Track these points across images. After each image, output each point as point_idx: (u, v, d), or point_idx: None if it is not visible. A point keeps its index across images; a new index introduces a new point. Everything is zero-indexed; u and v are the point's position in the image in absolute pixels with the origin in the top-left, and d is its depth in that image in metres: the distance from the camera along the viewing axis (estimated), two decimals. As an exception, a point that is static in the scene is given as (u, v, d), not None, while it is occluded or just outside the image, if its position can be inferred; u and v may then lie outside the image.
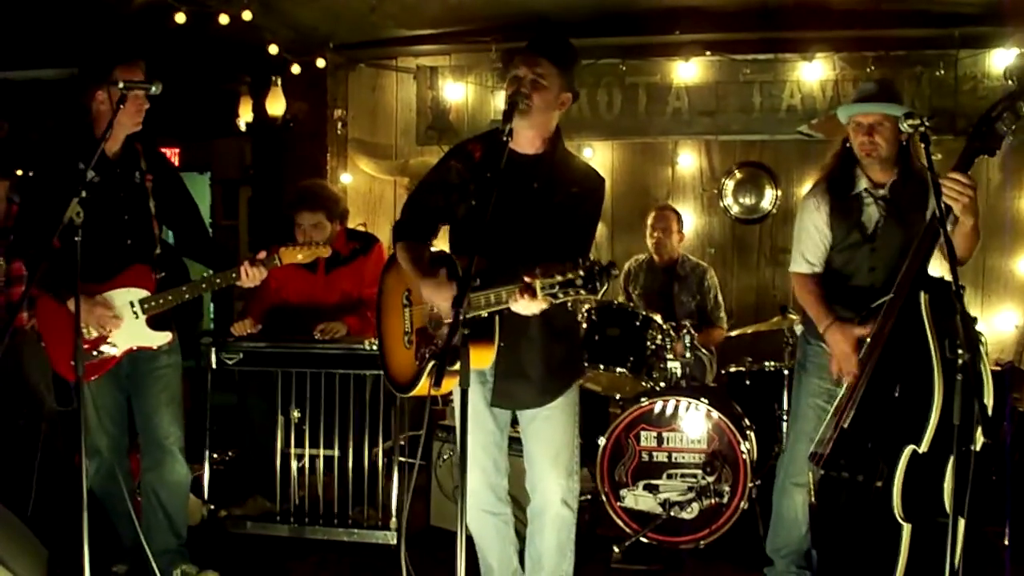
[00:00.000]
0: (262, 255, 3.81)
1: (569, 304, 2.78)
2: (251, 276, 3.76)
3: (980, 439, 2.98)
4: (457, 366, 2.92)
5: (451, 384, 3.10)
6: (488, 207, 2.84)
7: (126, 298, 3.75)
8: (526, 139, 3.23)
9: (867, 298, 3.55)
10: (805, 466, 3.57)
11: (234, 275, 3.76)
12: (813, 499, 3.51)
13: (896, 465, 3.17)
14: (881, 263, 3.64)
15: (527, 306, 2.77)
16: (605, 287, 2.62)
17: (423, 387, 3.00)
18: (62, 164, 3.67)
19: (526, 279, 2.71)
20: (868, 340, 3.36)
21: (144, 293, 3.77)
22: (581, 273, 2.61)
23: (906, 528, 3.17)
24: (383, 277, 3.62)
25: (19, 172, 5.80)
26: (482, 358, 3.09)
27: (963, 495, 2.91)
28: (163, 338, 3.83)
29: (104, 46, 3.74)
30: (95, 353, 3.73)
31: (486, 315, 2.94)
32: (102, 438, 3.82)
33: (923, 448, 3.09)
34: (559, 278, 2.63)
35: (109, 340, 3.74)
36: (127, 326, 3.76)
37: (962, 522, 2.93)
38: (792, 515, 3.82)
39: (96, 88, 3.63)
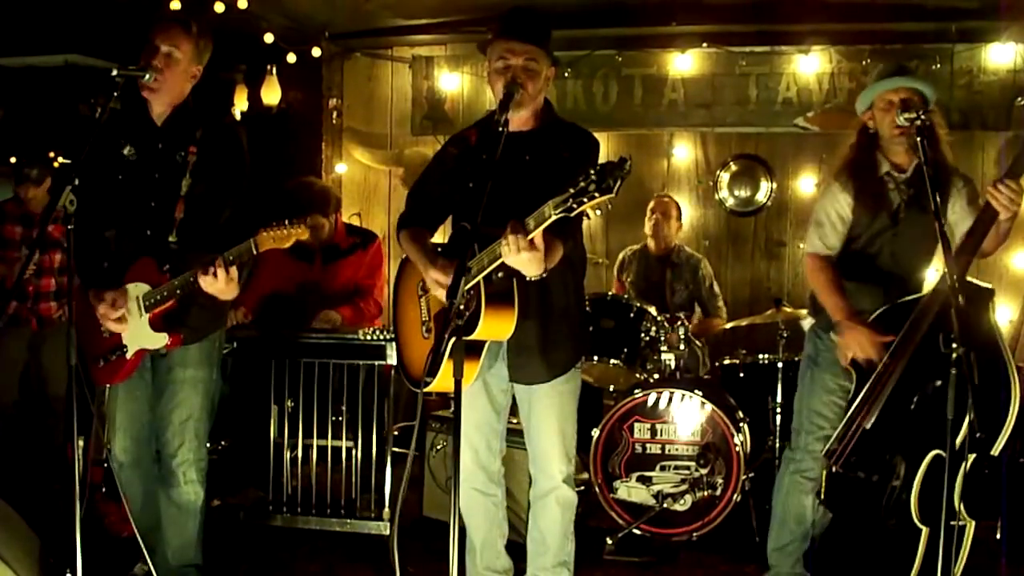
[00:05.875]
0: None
1: (587, 213, 2.71)
2: (218, 278, 3.27)
3: (1001, 442, 2.98)
4: (477, 333, 2.99)
5: (472, 372, 3.12)
6: (484, 188, 2.81)
7: (132, 293, 3.45)
8: (518, 119, 3.24)
9: (887, 283, 3.55)
10: (817, 464, 3.51)
11: (198, 274, 3.29)
12: (822, 496, 3.47)
13: (917, 469, 3.15)
14: (903, 248, 3.60)
15: (514, 245, 2.74)
16: (619, 183, 2.58)
17: (445, 374, 2.87)
18: (109, 143, 3.47)
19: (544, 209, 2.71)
20: (897, 341, 3.28)
21: (146, 288, 3.45)
22: (593, 178, 2.58)
23: (924, 532, 3.15)
24: (398, 275, 3.61)
25: (58, 162, 5.81)
26: (502, 328, 3.08)
27: (976, 496, 2.90)
28: (160, 340, 3.46)
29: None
30: (111, 357, 3.50)
31: (492, 276, 2.97)
32: (116, 442, 3.61)
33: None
34: (571, 191, 2.62)
35: (124, 341, 3.48)
36: (133, 326, 3.46)
37: (972, 525, 2.94)
38: (800, 512, 3.70)
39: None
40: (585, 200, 2.61)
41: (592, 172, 2.58)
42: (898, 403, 3.25)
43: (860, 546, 3.36)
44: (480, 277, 2.97)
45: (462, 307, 2.67)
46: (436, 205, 3.47)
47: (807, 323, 3.91)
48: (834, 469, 3.37)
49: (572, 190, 2.62)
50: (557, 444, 3.36)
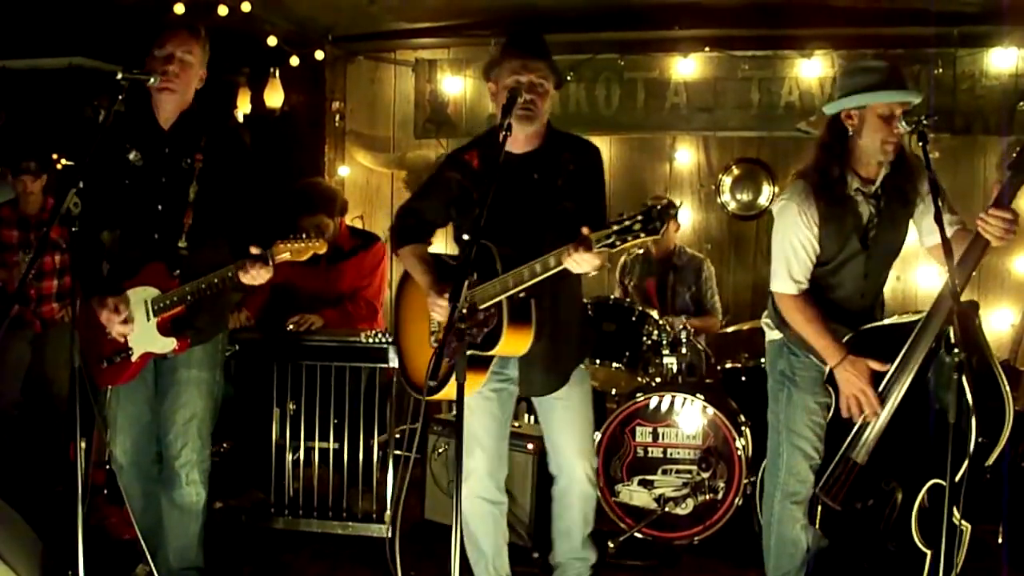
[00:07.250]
0: (256, 251, 3.36)
1: (628, 252, 2.84)
2: (252, 275, 3.37)
3: (995, 453, 2.97)
4: (496, 349, 3.09)
5: (481, 380, 3.26)
6: (495, 210, 2.84)
7: (141, 297, 3.47)
8: (524, 140, 3.30)
9: (854, 307, 3.38)
10: (804, 485, 3.40)
11: (230, 274, 3.37)
12: (817, 525, 3.41)
13: (916, 495, 3.13)
14: (874, 269, 3.39)
15: (583, 260, 2.83)
16: (666, 226, 2.70)
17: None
18: (113, 147, 3.48)
19: (583, 232, 2.78)
20: (891, 370, 3.15)
21: (156, 292, 3.47)
22: (639, 218, 2.69)
23: (929, 555, 3.13)
24: (401, 283, 3.66)
25: (61, 164, 5.81)
26: (519, 345, 3.18)
27: (973, 501, 2.89)
28: (168, 344, 3.49)
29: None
30: (115, 359, 3.50)
31: (514, 296, 3.05)
32: (118, 445, 3.62)
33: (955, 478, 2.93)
34: (615, 227, 2.72)
35: (130, 344, 3.49)
36: (140, 329, 3.48)
37: (968, 529, 2.94)
38: (794, 536, 3.47)
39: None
40: (629, 238, 2.72)
41: (639, 213, 2.68)
42: (892, 432, 3.18)
43: (860, 564, 3.33)
44: (504, 296, 3.04)
45: (465, 310, 2.69)
46: (434, 225, 3.58)
47: (774, 335, 3.55)
48: (836, 509, 3.32)
49: (616, 227, 2.72)
50: (575, 446, 3.47)
